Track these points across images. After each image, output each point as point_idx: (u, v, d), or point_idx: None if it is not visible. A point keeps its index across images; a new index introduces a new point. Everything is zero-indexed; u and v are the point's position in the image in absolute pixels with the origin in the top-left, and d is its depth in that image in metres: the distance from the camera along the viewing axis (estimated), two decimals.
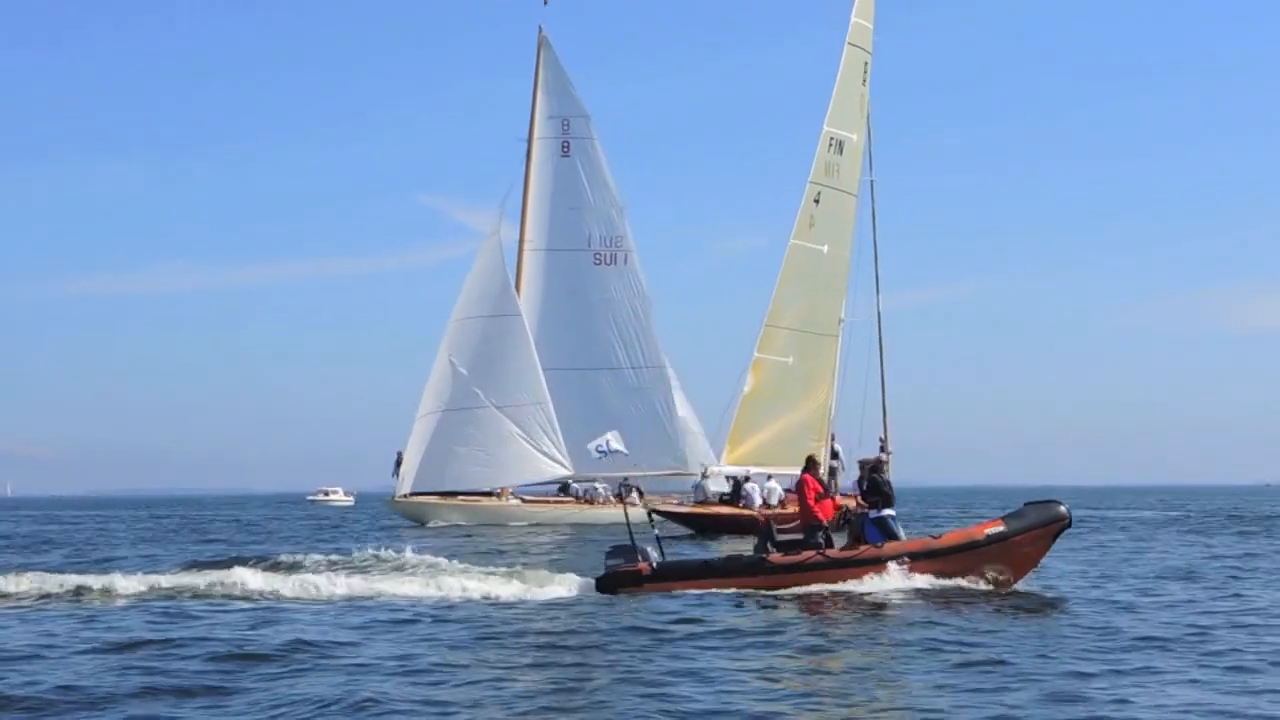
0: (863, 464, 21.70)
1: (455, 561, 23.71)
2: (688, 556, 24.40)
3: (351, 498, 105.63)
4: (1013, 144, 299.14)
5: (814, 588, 20.27)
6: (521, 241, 52.94)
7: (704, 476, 44.51)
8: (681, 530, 41.08)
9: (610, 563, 20.79)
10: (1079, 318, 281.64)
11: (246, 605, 19.39)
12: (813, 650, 14.96)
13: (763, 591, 20.13)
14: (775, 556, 20.80)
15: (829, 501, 21.28)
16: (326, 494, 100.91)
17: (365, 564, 23.88)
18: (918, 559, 20.69)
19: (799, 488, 21.52)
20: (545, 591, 20.67)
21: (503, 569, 22.56)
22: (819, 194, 42.23)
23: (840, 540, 21.46)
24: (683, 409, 57.07)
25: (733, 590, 20.23)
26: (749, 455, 41.14)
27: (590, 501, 51.07)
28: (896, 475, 44.90)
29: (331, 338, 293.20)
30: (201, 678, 13.23)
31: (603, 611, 18.35)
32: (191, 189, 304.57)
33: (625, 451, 22.29)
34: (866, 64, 43.43)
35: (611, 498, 51.64)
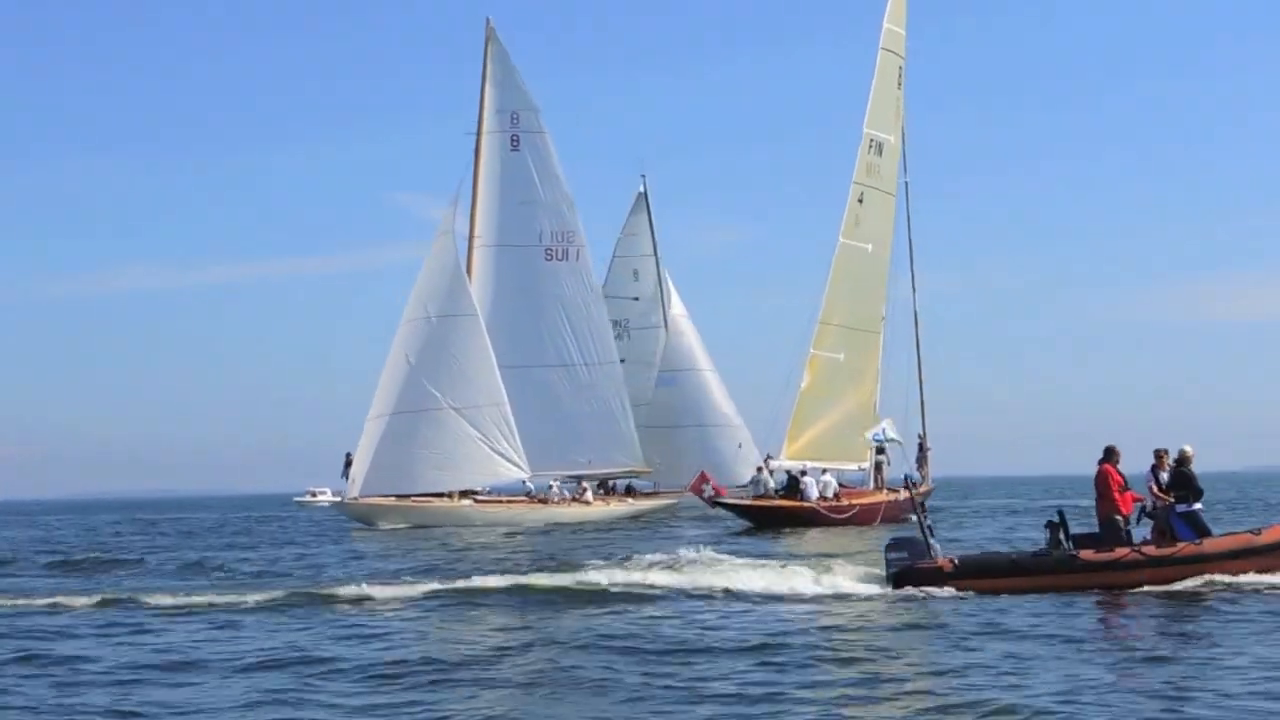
0: (1158, 453, 20.64)
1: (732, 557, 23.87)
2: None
3: (340, 498, 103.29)
4: (1000, 139, 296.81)
5: (1120, 586, 19.61)
6: (471, 237, 52.05)
7: (760, 471, 45.10)
8: (739, 522, 41.83)
9: (893, 556, 20.22)
10: (1062, 308, 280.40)
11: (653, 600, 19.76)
12: (1149, 656, 14.52)
13: (1076, 590, 19.47)
14: (1088, 553, 20.01)
15: (1129, 494, 20.43)
16: (314, 495, 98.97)
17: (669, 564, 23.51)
18: (1240, 556, 20.03)
19: (1098, 480, 20.55)
20: (835, 585, 20.32)
21: (764, 562, 22.73)
22: (862, 194, 43.29)
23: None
24: (725, 405, 57.43)
25: (1043, 589, 19.48)
26: (806, 449, 41.97)
27: (545, 501, 50.37)
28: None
29: (305, 337, 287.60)
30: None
31: (929, 610, 18.18)
32: (166, 188, 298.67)
33: (900, 440, 21.72)
34: (900, 68, 44.44)
35: (566, 497, 51.07)
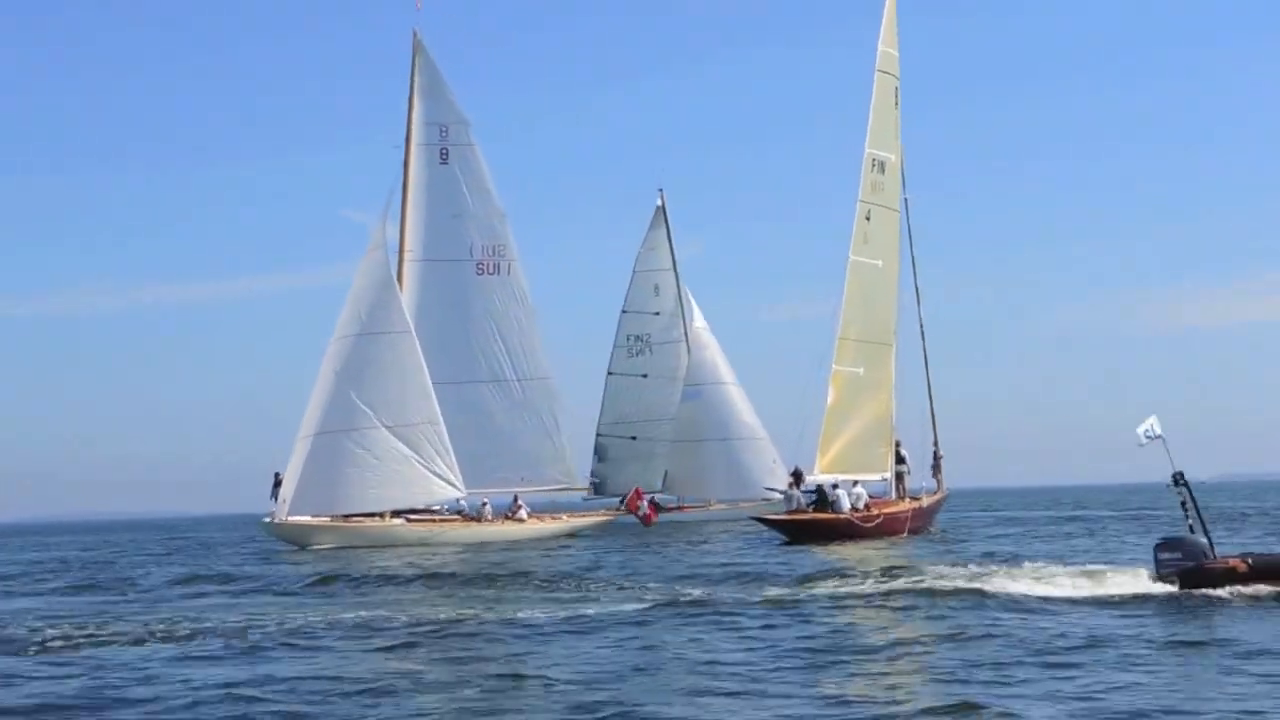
0: None
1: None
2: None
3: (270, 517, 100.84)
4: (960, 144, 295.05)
5: None
6: (401, 252, 51.21)
7: (790, 486, 44.87)
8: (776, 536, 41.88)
9: (1166, 556, 19.89)
10: (1011, 318, 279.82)
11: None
12: None
13: None
14: None
15: None
16: None
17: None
18: None
19: None
20: (1118, 588, 20.09)
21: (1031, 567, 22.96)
22: (869, 211, 44.20)
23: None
24: (750, 417, 57.58)
25: None
26: (834, 463, 42.64)
27: (478, 519, 49.54)
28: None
29: (254, 354, 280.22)
30: None
31: (1242, 612, 17.99)
32: (106, 205, 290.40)
33: (1164, 436, 20.99)
34: (896, 89, 45.27)
35: (495, 515, 50.23)
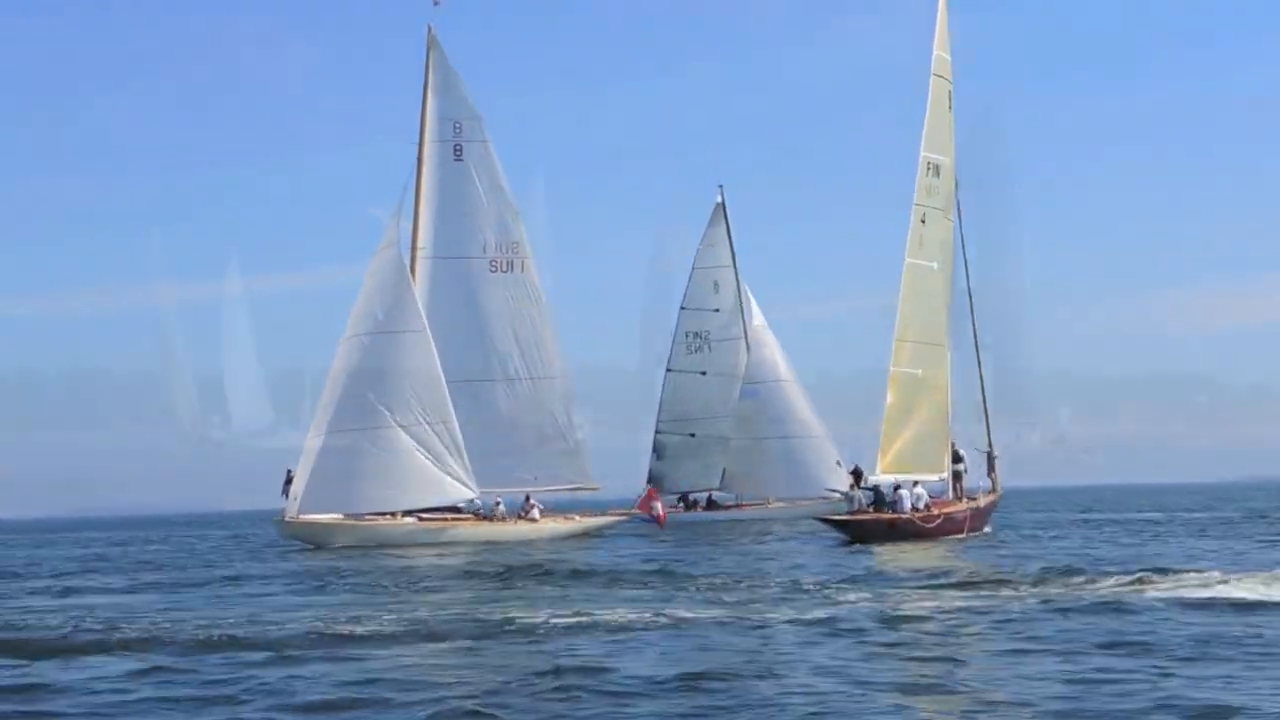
0: None
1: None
2: None
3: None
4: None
5: None
6: (414, 249, 50.84)
7: (852, 488, 45.04)
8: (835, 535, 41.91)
9: None
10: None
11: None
12: None
13: None
14: None
15: None
16: None
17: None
18: None
19: None
20: None
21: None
22: (924, 215, 44.26)
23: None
24: (808, 415, 57.53)
25: None
26: (894, 463, 42.83)
27: (490, 518, 49.17)
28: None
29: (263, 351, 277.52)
30: None
31: None
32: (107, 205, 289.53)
33: None
34: (950, 92, 45.37)
35: (509, 514, 49.87)
